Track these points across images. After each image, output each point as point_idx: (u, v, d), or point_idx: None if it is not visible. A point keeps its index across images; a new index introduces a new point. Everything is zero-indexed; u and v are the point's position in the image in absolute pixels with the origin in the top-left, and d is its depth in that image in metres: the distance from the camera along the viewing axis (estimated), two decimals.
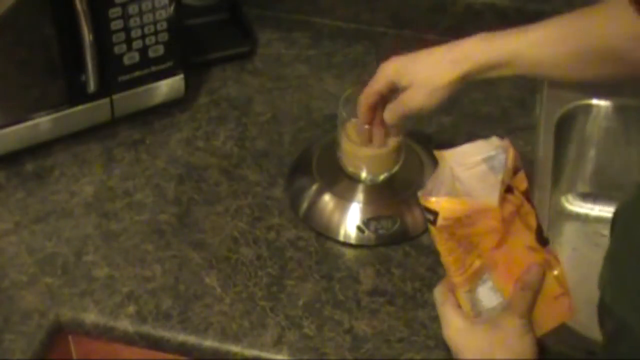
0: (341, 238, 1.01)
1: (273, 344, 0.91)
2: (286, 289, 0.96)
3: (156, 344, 0.92)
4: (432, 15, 1.29)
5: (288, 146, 1.13)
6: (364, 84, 0.96)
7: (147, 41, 1.08)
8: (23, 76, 1.05)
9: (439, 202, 0.74)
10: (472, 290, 0.78)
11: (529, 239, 0.76)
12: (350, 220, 1.01)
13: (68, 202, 1.05)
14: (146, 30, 1.07)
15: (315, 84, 1.23)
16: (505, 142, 0.78)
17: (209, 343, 0.91)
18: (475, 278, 0.77)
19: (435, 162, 1.07)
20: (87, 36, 1.02)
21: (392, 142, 0.99)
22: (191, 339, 0.91)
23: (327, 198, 1.02)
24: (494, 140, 0.78)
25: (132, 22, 1.05)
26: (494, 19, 1.27)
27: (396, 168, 1.02)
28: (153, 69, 1.10)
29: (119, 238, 1.01)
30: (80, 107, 1.06)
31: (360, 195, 1.02)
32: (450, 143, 1.14)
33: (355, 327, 0.92)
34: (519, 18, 1.26)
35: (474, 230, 0.75)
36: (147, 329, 0.92)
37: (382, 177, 1.02)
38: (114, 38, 1.05)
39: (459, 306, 0.78)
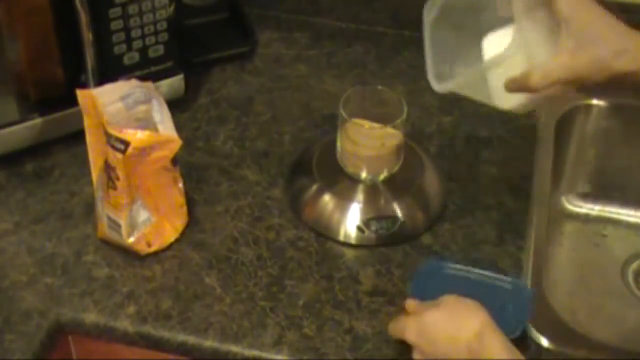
0: (341, 238, 1.01)
1: (273, 344, 0.90)
2: (286, 289, 0.96)
3: (156, 344, 0.92)
4: None
5: (288, 146, 1.13)
6: (364, 84, 0.96)
7: (147, 41, 1.08)
8: None
9: (131, 134, 0.89)
10: (130, 209, 0.94)
11: (166, 162, 0.94)
12: (350, 220, 1.01)
13: (68, 202, 1.05)
14: (146, 30, 1.07)
15: (315, 84, 1.23)
16: (144, 83, 0.96)
17: (209, 343, 0.91)
18: (134, 199, 0.94)
19: (434, 162, 1.08)
20: (87, 36, 1.02)
21: (392, 142, 0.99)
22: (191, 339, 0.91)
23: (327, 198, 1.02)
24: (132, 81, 0.96)
25: (132, 22, 1.05)
26: None
27: (396, 168, 1.02)
28: (153, 69, 1.10)
29: None
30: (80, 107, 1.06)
31: (360, 195, 1.02)
32: (451, 143, 1.15)
33: (355, 327, 0.92)
34: None
35: (147, 159, 0.91)
36: (147, 329, 0.92)
37: (382, 177, 1.02)
38: (114, 38, 1.05)
39: None
